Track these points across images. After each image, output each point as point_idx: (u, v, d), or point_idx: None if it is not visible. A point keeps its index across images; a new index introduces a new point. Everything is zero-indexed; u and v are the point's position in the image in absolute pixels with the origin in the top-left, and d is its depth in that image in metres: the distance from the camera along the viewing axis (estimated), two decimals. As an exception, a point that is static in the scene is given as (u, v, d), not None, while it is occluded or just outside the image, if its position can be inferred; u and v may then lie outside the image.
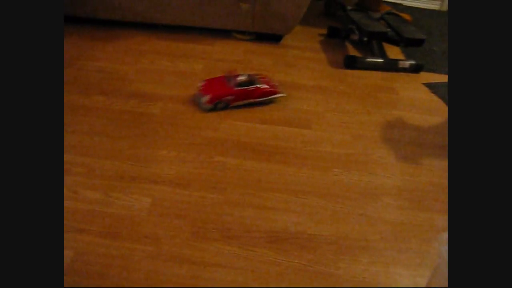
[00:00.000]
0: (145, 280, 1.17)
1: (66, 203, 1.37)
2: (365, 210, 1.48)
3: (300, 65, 2.34)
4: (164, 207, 1.39)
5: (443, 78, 2.43)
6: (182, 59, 2.23)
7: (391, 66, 2.43)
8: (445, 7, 3.55)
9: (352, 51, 2.59)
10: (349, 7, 2.77)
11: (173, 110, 1.84)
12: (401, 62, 2.43)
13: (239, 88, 1.88)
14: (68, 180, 1.46)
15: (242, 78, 1.90)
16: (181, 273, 1.20)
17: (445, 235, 1.07)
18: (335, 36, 2.72)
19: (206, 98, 1.84)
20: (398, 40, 2.47)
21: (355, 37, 2.67)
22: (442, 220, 1.48)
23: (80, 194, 1.41)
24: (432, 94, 2.25)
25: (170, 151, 1.62)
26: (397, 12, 2.93)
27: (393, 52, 2.63)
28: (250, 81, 1.91)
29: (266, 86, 1.93)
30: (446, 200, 1.57)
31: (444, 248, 1.04)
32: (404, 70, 2.44)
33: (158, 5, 2.34)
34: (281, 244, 1.32)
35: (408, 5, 3.53)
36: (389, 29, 2.46)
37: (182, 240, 1.29)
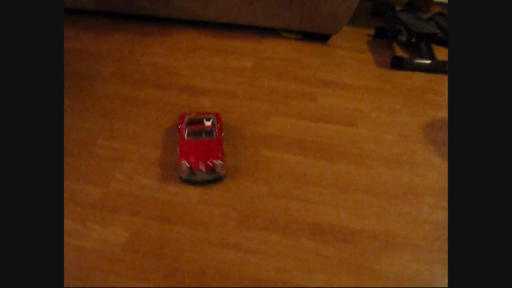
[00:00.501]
0: (194, 262, 1.24)
1: (123, 187, 1.46)
2: (409, 209, 1.50)
3: (346, 64, 2.36)
4: (213, 196, 1.46)
5: (492, 82, 2.39)
6: (232, 56, 2.30)
7: (439, 67, 2.41)
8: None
9: (400, 52, 2.59)
10: (398, 7, 2.77)
11: (222, 103, 1.91)
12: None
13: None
14: (124, 166, 1.55)
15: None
16: (228, 258, 1.26)
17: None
18: (382, 37, 2.72)
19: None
20: (447, 42, 2.45)
21: (403, 38, 2.66)
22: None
23: (135, 180, 1.50)
24: (481, 97, 2.23)
25: (218, 144, 1.69)
26: (447, 13, 2.90)
27: (442, 53, 2.61)
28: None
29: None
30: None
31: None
32: (453, 72, 2.41)
33: (209, 3, 2.42)
34: (324, 236, 1.36)
35: (458, 7, 3.47)
36: (438, 31, 2.45)
37: (229, 227, 1.36)
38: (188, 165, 1.45)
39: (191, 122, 1.63)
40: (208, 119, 1.65)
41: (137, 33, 2.50)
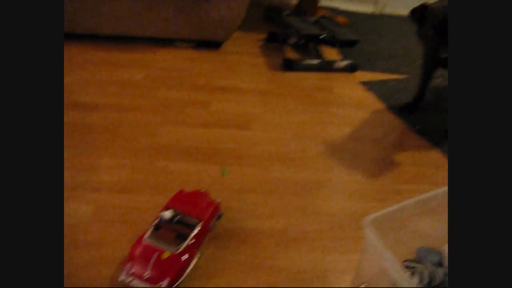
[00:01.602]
0: (88, 283, 1.20)
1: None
2: (304, 204, 1.55)
3: (240, 69, 2.41)
4: (107, 214, 1.42)
5: (378, 76, 2.56)
6: (123, 68, 2.25)
7: (327, 66, 2.54)
8: (378, 11, 3.72)
9: (291, 54, 2.68)
10: (286, 12, 2.87)
11: (113, 118, 1.86)
12: (336, 63, 2.54)
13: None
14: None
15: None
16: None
17: (369, 218, 1.15)
18: (274, 41, 2.81)
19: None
20: (333, 42, 2.58)
21: (293, 40, 2.76)
22: (376, 209, 1.56)
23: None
24: (367, 91, 2.37)
25: (111, 159, 1.64)
26: (332, 16, 3.06)
27: (331, 53, 2.75)
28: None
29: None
30: (379, 191, 1.66)
31: (370, 231, 1.12)
32: (340, 70, 2.55)
33: (97, 15, 2.36)
34: (220, 240, 1.37)
35: (344, 9, 3.67)
36: (324, 32, 2.57)
37: (125, 244, 1.32)
38: (130, 271, 1.18)
39: (166, 223, 1.29)
40: (190, 226, 1.28)
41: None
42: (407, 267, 1.30)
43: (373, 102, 2.27)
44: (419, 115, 2.21)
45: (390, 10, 3.73)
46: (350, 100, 2.26)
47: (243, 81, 2.29)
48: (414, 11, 1.82)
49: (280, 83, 2.32)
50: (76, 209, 1.42)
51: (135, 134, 1.79)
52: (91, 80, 2.13)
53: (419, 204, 1.26)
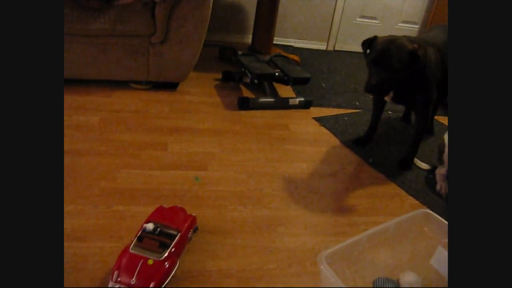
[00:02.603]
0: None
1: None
2: (262, 242, 1.57)
3: (195, 110, 2.43)
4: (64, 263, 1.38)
5: (331, 112, 2.64)
6: (78, 112, 2.24)
7: (282, 104, 2.60)
8: (330, 47, 3.87)
9: (246, 93, 2.74)
10: (240, 52, 2.94)
11: (68, 163, 1.84)
12: (291, 100, 2.61)
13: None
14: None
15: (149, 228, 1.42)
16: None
17: (323, 254, 1.18)
18: (229, 80, 2.86)
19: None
20: (286, 80, 2.66)
21: (247, 79, 2.83)
22: (334, 242, 1.60)
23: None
24: (321, 127, 2.44)
25: (67, 206, 1.61)
26: (285, 54, 3.15)
27: (286, 91, 2.82)
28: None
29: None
30: (338, 225, 1.70)
31: (324, 267, 1.15)
32: (295, 106, 2.62)
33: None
34: (184, 283, 1.36)
35: (297, 46, 3.80)
36: (277, 70, 2.64)
37: (80, 293, 1.29)
38: (117, 279, 1.27)
39: (148, 234, 1.39)
40: (170, 235, 1.40)
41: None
42: (365, 299, 1.33)
43: (327, 137, 2.34)
44: (372, 148, 2.29)
45: (341, 46, 3.89)
46: (305, 136, 2.32)
47: (199, 121, 2.31)
48: (364, 41, 1.95)
49: (236, 122, 2.36)
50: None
51: (92, 179, 1.77)
52: (45, 125, 2.10)
53: (374, 236, 1.30)
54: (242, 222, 1.65)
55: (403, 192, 1.96)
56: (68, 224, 1.53)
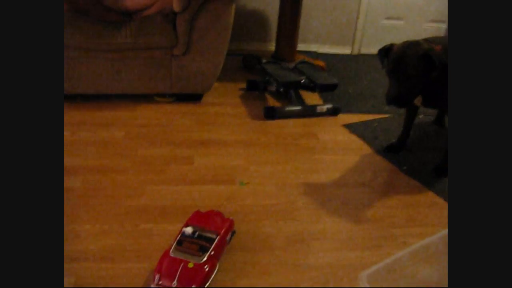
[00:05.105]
0: None
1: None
2: (295, 258, 1.49)
3: (221, 121, 2.38)
4: (88, 285, 1.34)
5: (360, 118, 2.55)
6: (102, 128, 2.21)
7: (309, 112, 2.53)
8: (355, 51, 3.78)
9: (272, 102, 2.67)
10: (264, 60, 2.89)
11: (94, 181, 1.80)
12: (319, 107, 2.53)
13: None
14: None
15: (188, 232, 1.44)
16: None
17: (364, 275, 1.10)
18: (254, 89, 2.81)
19: None
20: (313, 87, 2.58)
21: (273, 88, 2.76)
22: (371, 257, 1.52)
23: None
24: (351, 134, 2.35)
25: (93, 225, 1.57)
26: (310, 60, 3.08)
27: (312, 98, 2.75)
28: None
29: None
30: (373, 237, 1.61)
31: (365, 286, 1.07)
32: (323, 114, 2.54)
33: (73, 75, 2.34)
34: (212, 306, 1.30)
35: (321, 52, 3.72)
36: (303, 78, 2.57)
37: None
38: (158, 283, 1.30)
39: (187, 238, 1.41)
40: (209, 239, 1.41)
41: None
42: (409, 320, 1.24)
43: (358, 145, 2.25)
44: (405, 154, 2.19)
45: (366, 50, 3.80)
46: (335, 144, 2.24)
47: (225, 133, 2.26)
48: (380, 50, 1.86)
49: (263, 132, 2.30)
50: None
51: (117, 196, 1.73)
52: (70, 141, 2.08)
53: (417, 253, 1.21)
54: (273, 237, 1.58)
55: (441, 201, 1.85)
56: (95, 244, 1.49)
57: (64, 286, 1.33)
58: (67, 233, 1.53)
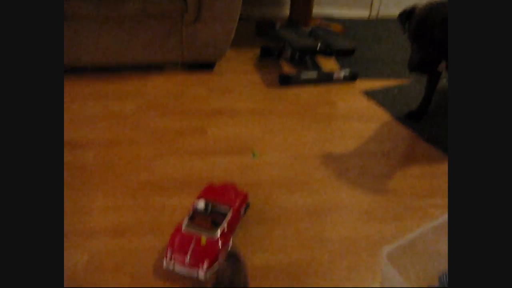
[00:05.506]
0: None
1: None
2: (313, 231, 1.44)
3: (235, 90, 2.31)
4: (101, 261, 1.31)
5: (379, 84, 2.45)
6: (113, 100, 2.16)
7: (326, 78, 2.43)
8: (374, 14, 3.63)
9: (287, 69, 2.59)
10: (278, 25, 2.78)
11: (106, 155, 1.76)
12: (336, 74, 2.44)
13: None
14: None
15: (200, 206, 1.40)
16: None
17: (385, 251, 1.04)
18: (268, 56, 2.72)
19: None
20: (330, 52, 2.48)
21: (288, 54, 2.67)
22: (391, 230, 1.46)
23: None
24: (370, 101, 2.27)
25: (105, 200, 1.54)
26: (326, 24, 2.97)
27: (329, 64, 2.65)
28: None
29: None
30: (394, 209, 1.55)
31: (386, 263, 1.01)
32: (340, 80, 2.45)
33: (81, 47, 2.27)
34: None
35: (338, 16, 3.58)
36: (319, 43, 2.47)
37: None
38: (171, 258, 1.26)
39: (200, 213, 1.39)
40: (222, 213, 1.38)
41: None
42: (431, 296, 1.19)
43: (377, 112, 2.17)
44: (427, 122, 2.10)
45: (386, 12, 3.64)
46: (353, 112, 2.16)
47: (239, 102, 2.19)
48: (401, 14, 1.76)
49: (278, 100, 2.22)
50: (69, 259, 1.32)
51: (129, 170, 1.69)
52: (80, 115, 2.03)
53: (438, 228, 1.14)
54: (289, 210, 1.52)
55: (465, 170, 1.77)
56: (107, 220, 1.46)
57: (77, 263, 1.30)
58: (79, 209, 1.50)
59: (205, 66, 2.51)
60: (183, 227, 1.32)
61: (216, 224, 1.33)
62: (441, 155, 1.86)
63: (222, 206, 1.39)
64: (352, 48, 2.42)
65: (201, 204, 1.38)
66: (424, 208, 1.56)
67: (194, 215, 1.37)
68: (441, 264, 1.23)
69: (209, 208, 1.39)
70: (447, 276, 1.20)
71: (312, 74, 2.42)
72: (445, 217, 1.14)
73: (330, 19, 3.42)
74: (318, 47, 2.45)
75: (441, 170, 1.76)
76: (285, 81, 2.36)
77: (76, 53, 2.29)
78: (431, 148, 1.90)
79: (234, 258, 1.18)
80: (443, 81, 2.49)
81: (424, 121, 2.10)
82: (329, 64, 2.64)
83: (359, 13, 3.63)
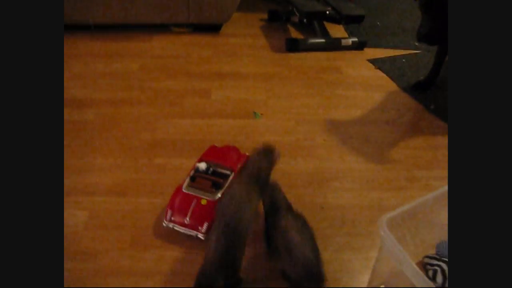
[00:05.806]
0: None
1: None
2: (313, 197, 1.45)
3: (241, 53, 2.28)
4: (101, 219, 1.32)
5: (387, 53, 2.41)
6: (117, 59, 2.14)
7: (334, 45, 2.40)
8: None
9: (295, 34, 2.55)
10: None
11: (108, 114, 1.75)
12: (343, 40, 2.40)
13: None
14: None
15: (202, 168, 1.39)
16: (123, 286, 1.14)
17: (385, 218, 1.04)
18: (276, 20, 2.67)
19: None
20: (338, 18, 2.44)
21: (295, 19, 2.62)
22: (392, 199, 1.46)
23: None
24: (377, 70, 2.24)
25: (106, 159, 1.54)
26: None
27: (337, 30, 2.60)
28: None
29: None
30: (396, 179, 1.55)
31: (385, 231, 1.01)
32: (348, 48, 2.41)
33: (86, 4, 2.23)
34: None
35: (349, -19, 3.50)
36: (328, 8, 2.42)
37: (121, 252, 1.23)
38: (171, 218, 1.27)
39: (201, 174, 1.37)
40: (223, 175, 1.37)
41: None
42: (427, 264, 1.20)
43: (383, 81, 2.14)
44: (434, 93, 2.07)
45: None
46: (359, 80, 2.13)
47: (244, 66, 2.16)
48: None
49: (284, 66, 2.19)
50: (70, 216, 1.33)
51: (131, 130, 1.68)
52: (84, 73, 2.02)
53: (439, 198, 1.14)
54: (291, 175, 1.52)
55: (469, 142, 1.76)
56: (108, 178, 1.46)
57: (78, 220, 1.32)
58: (81, 166, 1.51)
59: (211, 28, 2.47)
60: (184, 188, 1.31)
61: (217, 186, 1.32)
62: (445, 127, 1.84)
63: (224, 168, 1.39)
64: (361, 15, 2.37)
65: (202, 165, 1.38)
66: (426, 179, 1.56)
67: (195, 176, 1.36)
68: (439, 234, 1.23)
69: (211, 169, 1.39)
70: (446, 244, 1.21)
71: (319, 40, 2.38)
72: (445, 187, 1.14)
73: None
74: (326, 12, 2.40)
75: (445, 142, 1.75)
76: (292, 45, 2.33)
77: (80, 10, 2.25)
78: (436, 120, 1.88)
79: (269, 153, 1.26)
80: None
81: (430, 92, 2.07)
82: (337, 31, 2.60)
83: (371, -21, 3.55)
